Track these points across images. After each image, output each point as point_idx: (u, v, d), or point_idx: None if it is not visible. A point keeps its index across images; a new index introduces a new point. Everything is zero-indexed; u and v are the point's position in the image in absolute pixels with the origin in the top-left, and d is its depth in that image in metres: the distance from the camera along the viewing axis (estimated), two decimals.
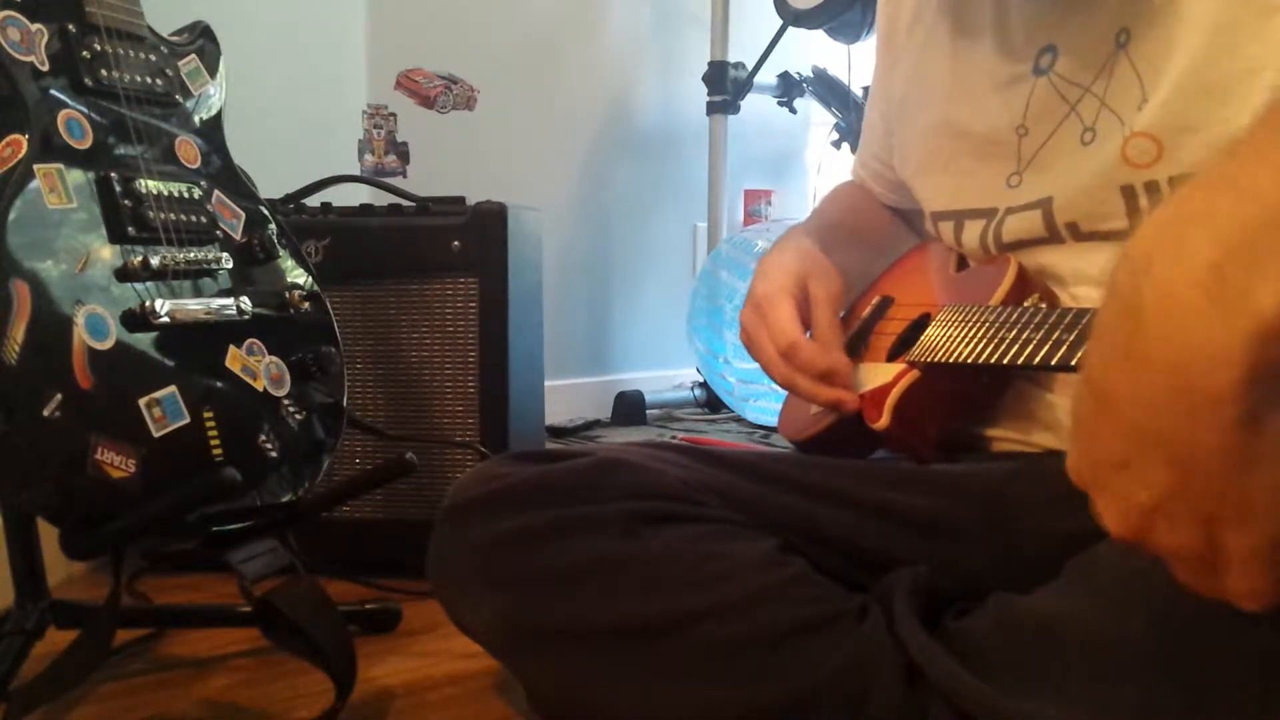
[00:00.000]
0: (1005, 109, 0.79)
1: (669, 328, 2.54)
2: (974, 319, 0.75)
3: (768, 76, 2.43)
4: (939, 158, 0.87)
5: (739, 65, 2.41)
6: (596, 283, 2.50)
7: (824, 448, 0.88)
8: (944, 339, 0.77)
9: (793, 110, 2.51)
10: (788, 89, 2.47)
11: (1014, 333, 0.69)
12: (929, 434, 0.81)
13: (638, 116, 2.54)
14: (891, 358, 0.86)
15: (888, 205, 1.05)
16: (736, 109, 2.43)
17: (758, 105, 2.48)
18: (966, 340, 0.74)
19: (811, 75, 2.46)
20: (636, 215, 2.55)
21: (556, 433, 2.12)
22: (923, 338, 0.80)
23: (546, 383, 1.49)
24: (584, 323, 2.47)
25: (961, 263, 0.87)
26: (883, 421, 0.78)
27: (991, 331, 0.71)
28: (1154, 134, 0.67)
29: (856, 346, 0.92)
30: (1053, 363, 0.64)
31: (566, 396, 2.27)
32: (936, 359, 0.76)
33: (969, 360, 0.72)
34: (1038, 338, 0.66)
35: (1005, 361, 0.68)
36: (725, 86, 2.39)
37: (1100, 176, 0.71)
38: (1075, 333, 0.60)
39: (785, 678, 0.63)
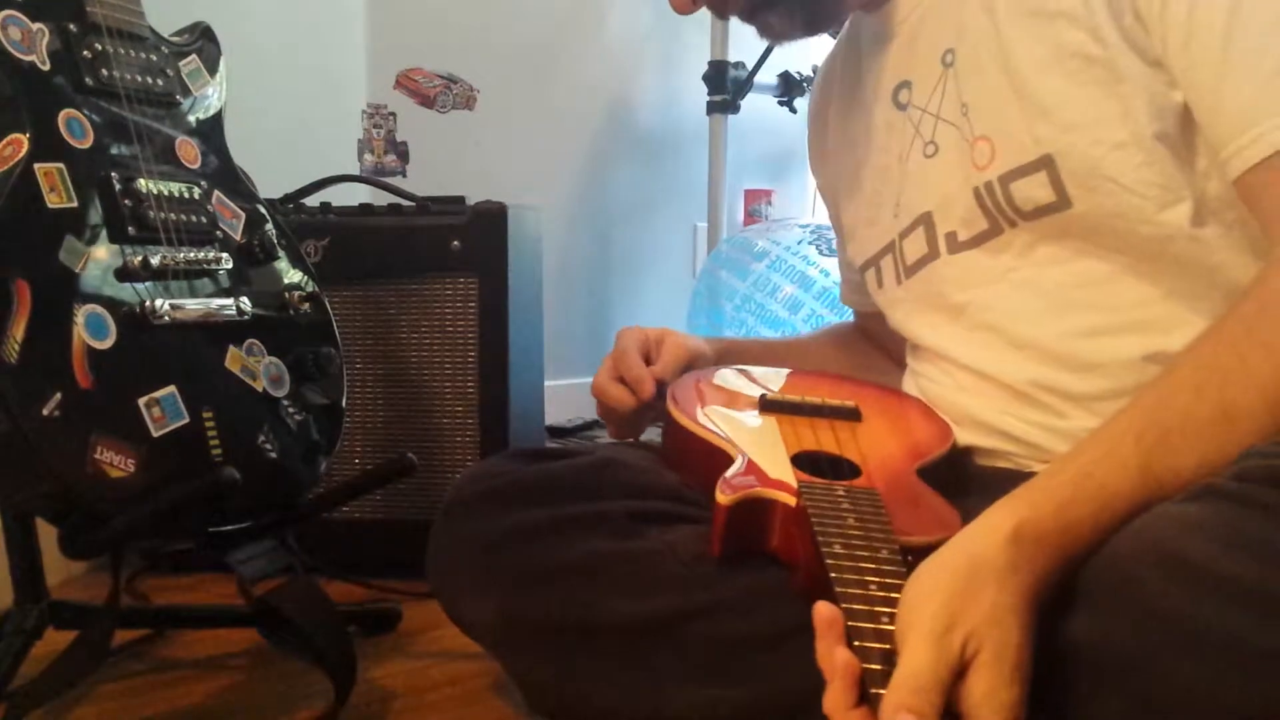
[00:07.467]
0: (890, 150, 0.83)
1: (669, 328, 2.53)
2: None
3: (768, 76, 2.43)
4: (861, 216, 0.90)
5: (739, 65, 2.41)
6: (596, 283, 2.50)
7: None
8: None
9: (793, 110, 2.51)
10: (788, 89, 2.47)
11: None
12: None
13: (638, 116, 2.54)
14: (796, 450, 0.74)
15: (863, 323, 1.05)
16: (736, 109, 2.42)
17: (758, 105, 2.48)
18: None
19: (811, 75, 2.45)
20: (636, 215, 2.55)
21: (556, 433, 2.12)
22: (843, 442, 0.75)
23: (546, 383, 1.48)
24: (584, 323, 2.47)
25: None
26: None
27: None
28: (989, 136, 0.73)
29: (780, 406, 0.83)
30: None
31: (566, 396, 2.26)
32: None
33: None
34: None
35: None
36: (725, 86, 2.39)
37: (958, 183, 0.76)
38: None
39: (785, 677, 0.63)
